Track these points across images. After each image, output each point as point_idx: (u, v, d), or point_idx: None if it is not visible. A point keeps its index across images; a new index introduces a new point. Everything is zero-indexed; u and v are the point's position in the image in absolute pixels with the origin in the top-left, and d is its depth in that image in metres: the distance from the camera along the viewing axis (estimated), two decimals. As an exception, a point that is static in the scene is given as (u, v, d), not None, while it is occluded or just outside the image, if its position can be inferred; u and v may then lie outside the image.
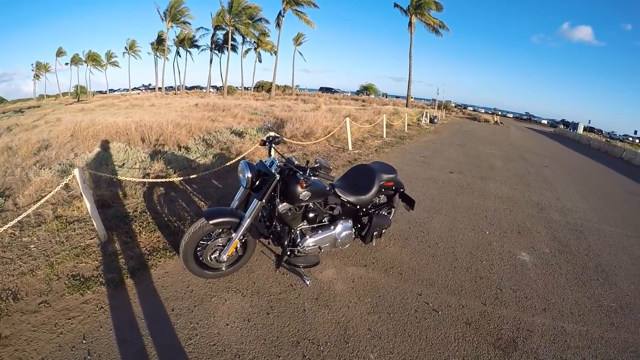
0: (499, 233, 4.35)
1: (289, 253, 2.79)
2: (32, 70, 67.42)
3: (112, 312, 2.42)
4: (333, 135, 9.60)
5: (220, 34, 45.48)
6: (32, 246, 3.11)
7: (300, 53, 56.99)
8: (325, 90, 61.56)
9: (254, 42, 44.65)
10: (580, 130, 30.52)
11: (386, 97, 57.57)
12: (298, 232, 2.84)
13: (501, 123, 31.62)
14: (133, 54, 59.87)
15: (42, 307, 2.44)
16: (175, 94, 48.66)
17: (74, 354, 2.07)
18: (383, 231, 3.36)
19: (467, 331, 2.50)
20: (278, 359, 2.11)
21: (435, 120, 22.26)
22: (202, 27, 46.88)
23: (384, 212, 3.62)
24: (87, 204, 3.12)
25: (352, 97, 51.10)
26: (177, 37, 50.09)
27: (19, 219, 2.83)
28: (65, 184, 3.20)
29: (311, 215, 2.82)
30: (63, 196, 3.97)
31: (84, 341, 2.16)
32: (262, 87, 53.30)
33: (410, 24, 33.24)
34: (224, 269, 2.79)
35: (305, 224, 2.86)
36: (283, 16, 37.27)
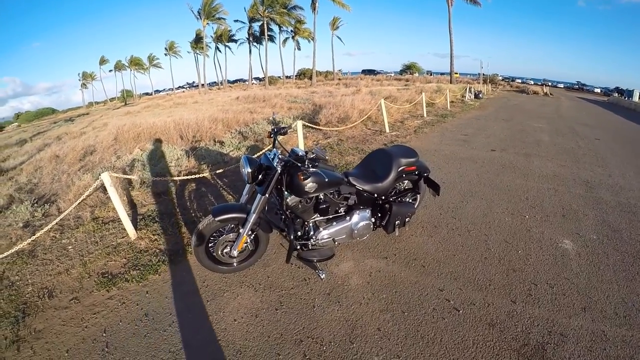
0: (540, 217, 3.94)
1: (300, 247, 2.76)
2: (79, 80, 74.59)
3: (131, 307, 2.59)
4: (370, 118, 9.43)
5: (256, 26, 46.89)
6: (70, 247, 3.42)
7: (338, 37, 56.80)
8: (367, 72, 61.15)
9: (291, 30, 45.60)
10: (636, 98, 27.20)
11: (430, 74, 56.16)
12: (311, 224, 2.80)
13: (551, 94, 29.68)
14: (173, 54, 63.33)
15: (72, 303, 2.67)
16: (218, 89, 50.75)
17: (94, 346, 2.25)
18: (407, 220, 3.18)
19: (490, 334, 2.25)
20: (278, 357, 2.10)
21: (480, 95, 21.38)
22: (239, 20, 48.40)
23: (408, 199, 3.45)
24: (116, 206, 3.36)
25: (395, 77, 50.43)
26: (214, 33, 51.91)
27: (53, 223, 3.14)
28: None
29: (323, 206, 2.74)
30: (101, 198, 4.32)
31: (104, 334, 2.35)
32: (304, 75, 54.12)
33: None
34: (235, 264, 2.84)
35: (317, 216, 2.80)
36: (317, 1, 37.27)
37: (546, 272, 2.91)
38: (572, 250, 3.27)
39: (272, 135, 2.88)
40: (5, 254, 2.84)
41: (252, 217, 2.54)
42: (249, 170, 2.48)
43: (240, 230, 2.63)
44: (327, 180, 2.60)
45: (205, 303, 2.59)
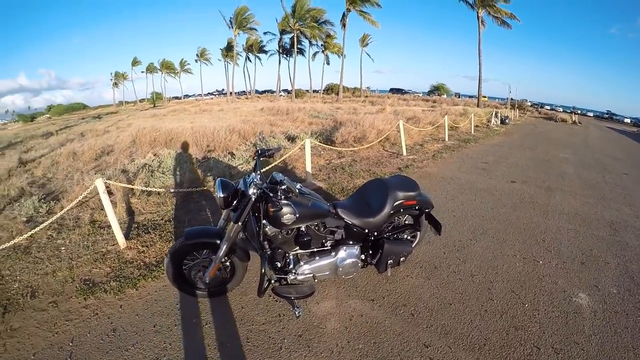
0: (556, 263, 3.61)
1: (278, 280, 2.63)
2: (111, 79, 78.83)
3: (103, 320, 2.61)
4: (389, 140, 9.30)
5: (287, 38, 48.13)
6: (63, 248, 3.54)
7: (367, 54, 57.41)
8: (395, 91, 62.27)
9: (321, 44, 46.68)
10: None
11: (458, 96, 56.81)
12: (291, 257, 2.67)
13: (579, 123, 28.72)
14: (204, 60, 66.06)
15: (50, 306, 2.75)
16: (246, 98, 52.33)
17: (59, 355, 2.29)
18: (401, 259, 2.97)
19: None
20: (228, 401, 2.01)
21: (507, 120, 20.92)
22: (269, 32, 49.86)
23: (406, 236, 3.26)
24: (108, 213, 3.43)
25: (423, 97, 50.87)
26: (245, 43, 54.01)
27: (46, 224, 3.24)
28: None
29: (304, 239, 2.57)
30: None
31: (70, 343, 2.39)
32: (332, 90, 55.15)
33: (477, 17, 31.52)
34: (207, 290, 2.78)
35: (298, 248, 2.66)
36: (347, 17, 37.74)
37: (553, 333, 2.61)
38: (587, 306, 2.94)
39: (255, 157, 2.71)
40: (1, 247, 2.97)
41: (224, 246, 2.46)
42: (221, 195, 2.35)
43: (212, 257, 2.56)
44: (308, 212, 2.48)
45: (173, 326, 2.55)
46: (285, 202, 2.34)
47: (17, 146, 12.53)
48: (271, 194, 2.30)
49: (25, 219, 4.05)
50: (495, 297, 3.02)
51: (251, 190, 2.33)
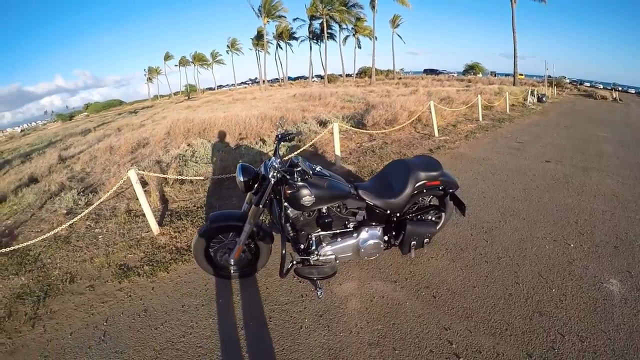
0: (588, 247, 3.45)
1: (301, 261, 2.72)
2: (145, 74, 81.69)
3: (135, 301, 2.82)
4: (420, 121, 9.22)
5: (316, 24, 48.40)
6: (100, 237, 3.82)
7: (399, 35, 55.96)
8: (429, 72, 61.55)
9: (352, 28, 46.76)
10: None
11: (495, 75, 55.28)
12: (314, 238, 2.74)
13: (620, 100, 27.11)
14: (235, 51, 67.11)
15: (87, 290, 3.00)
16: (279, 85, 53.23)
17: (94, 333, 2.51)
18: (425, 240, 2.96)
19: None
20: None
21: (544, 99, 20.10)
22: (299, 18, 50.68)
23: (430, 217, 3.24)
24: (141, 202, 3.66)
25: (458, 77, 49.46)
26: (275, 31, 54.29)
27: (82, 214, 3.52)
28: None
29: (325, 221, 2.64)
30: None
31: (105, 323, 2.60)
32: (365, 73, 54.95)
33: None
34: (233, 271, 2.92)
35: (320, 230, 2.73)
36: None
37: (580, 320, 2.51)
38: (618, 293, 2.79)
39: (275, 142, 2.81)
40: (40, 238, 3.26)
41: (247, 228, 2.58)
42: (242, 179, 2.48)
43: (237, 240, 2.68)
44: (326, 193, 2.52)
45: (200, 306, 2.71)
46: (302, 184, 2.40)
47: (57, 144, 13.41)
48: (288, 177, 2.37)
49: (65, 211, 4.39)
50: (521, 280, 2.95)
51: (271, 174, 2.42)
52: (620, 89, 45.34)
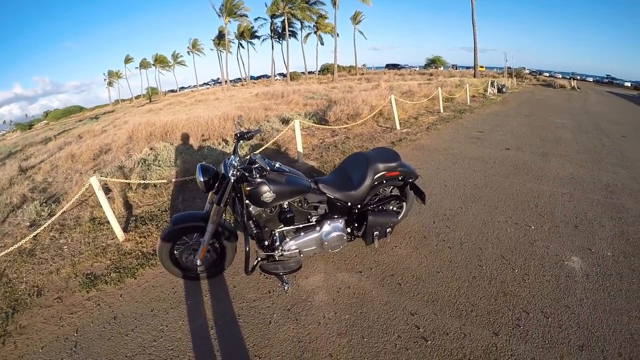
0: (549, 228, 3.69)
1: (266, 257, 2.82)
2: (105, 79, 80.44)
3: (104, 309, 2.84)
4: (382, 115, 9.60)
5: (278, 22, 49.11)
6: (65, 247, 3.79)
7: (360, 32, 58.58)
8: (391, 67, 63.74)
9: (313, 25, 47.81)
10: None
11: (456, 68, 58.23)
12: (277, 234, 2.84)
13: (578, 88, 29.34)
14: (197, 52, 67.33)
15: (55, 302, 2.99)
16: (242, 85, 53.54)
17: (65, 345, 2.52)
18: (388, 230, 3.12)
19: None
20: (221, 375, 2.21)
21: (504, 89, 21.52)
22: (260, 17, 51.69)
23: (391, 208, 3.40)
24: (104, 208, 3.66)
25: (419, 71, 51.73)
26: (237, 30, 55.16)
27: (44, 226, 3.51)
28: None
29: (287, 216, 2.75)
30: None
31: (75, 334, 2.62)
32: (327, 70, 56.51)
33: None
34: (199, 272, 2.98)
35: (283, 226, 2.84)
36: None
37: (543, 297, 2.72)
38: (580, 270, 3.03)
39: (234, 140, 2.85)
40: (4, 252, 3.23)
41: (210, 227, 2.65)
42: (202, 179, 2.55)
43: (200, 240, 2.75)
44: (286, 188, 2.63)
45: (169, 309, 2.78)
46: (261, 180, 2.50)
47: (17, 155, 12.97)
48: (247, 174, 2.46)
49: (28, 223, 4.32)
50: (484, 263, 3.15)
51: (230, 172, 2.50)
52: (578, 77, 48.66)
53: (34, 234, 3.50)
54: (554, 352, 2.23)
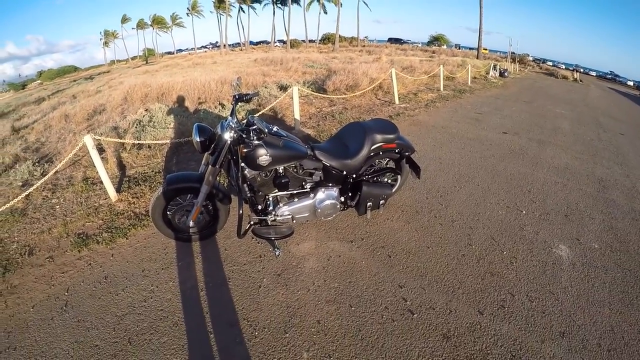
0: (540, 214, 3.74)
1: (258, 221, 2.84)
2: (101, 38, 77.80)
3: (95, 269, 2.88)
4: (382, 88, 9.52)
5: None
6: (57, 207, 3.80)
7: (364, 2, 58.16)
8: (393, 41, 62.80)
9: None
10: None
11: (459, 48, 57.61)
12: (271, 199, 2.85)
13: (581, 81, 29.11)
14: (196, 14, 65.70)
15: (47, 261, 3.02)
16: (240, 50, 52.78)
17: (56, 304, 2.55)
18: (381, 202, 3.14)
19: (440, 348, 2.17)
20: (209, 337, 2.26)
21: (506, 74, 21.35)
22: None
23: (386, 180, 3.41)
24: (98, 168, 3.65)
25: (422, 48, 51.43)
26: None
27: (36, 185, 3.50)
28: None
29: (282, 181, 2.73)
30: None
31: (66, 293, 2.65)
32: (329, 40, 55.38)
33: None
34: (191, 233, 3.01)
35: (277, 190, 2.83)
36: None
37: (529, 281, 2.78)
38: (567, 258, 3.10)
39: (232, 102, 2.80)
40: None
41: (204, 188, 2.65)
42: (198, 139, 2.49)
43: (194, 201, 2.75)
44: (282, 152, 2.61)
45: (160, 270, 2.82)
46: (258, 142, 2.48)
47: (10, 115, 12.81)
48: (244, 136, 2.44)
49: (20, 183, 4.30)
50: (474, 242, 3.20)
51: (227, 134, 2.47)
52: (582, 70, 47.76)
53: (25, 194, 3.48)
54: (536, 335, 2.30)
